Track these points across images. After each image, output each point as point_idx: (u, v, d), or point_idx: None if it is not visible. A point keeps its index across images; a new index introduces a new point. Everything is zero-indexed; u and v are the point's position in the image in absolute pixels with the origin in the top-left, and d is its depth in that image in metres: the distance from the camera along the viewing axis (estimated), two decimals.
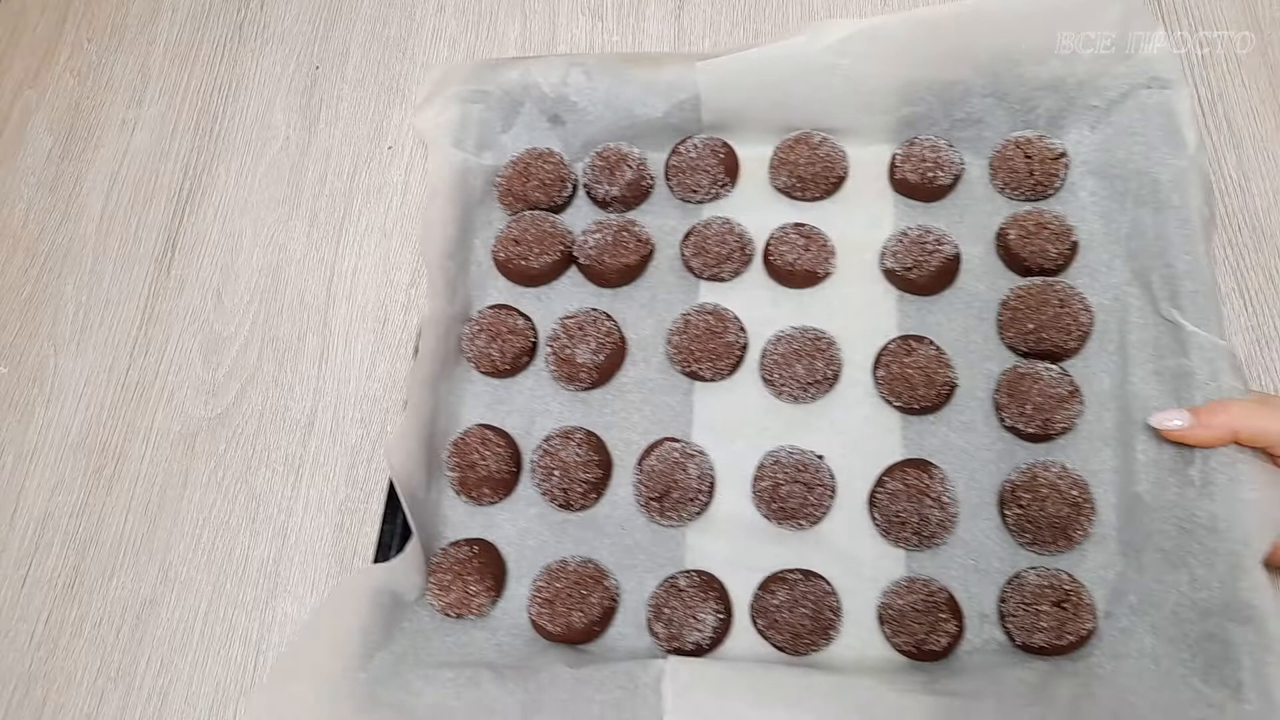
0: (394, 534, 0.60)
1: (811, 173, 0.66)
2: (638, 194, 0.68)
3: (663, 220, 0.69)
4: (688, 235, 0.66)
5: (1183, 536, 0.52)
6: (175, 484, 0.65)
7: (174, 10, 0.83)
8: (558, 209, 0.69)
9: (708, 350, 0.61)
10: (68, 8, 0.84)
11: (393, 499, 0.61)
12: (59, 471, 0.66)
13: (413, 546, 0.57)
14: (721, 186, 0.68)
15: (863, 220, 0.67)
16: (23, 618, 0.62)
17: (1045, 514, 0.55)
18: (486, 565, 0.59)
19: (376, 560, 0.60)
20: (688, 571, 0.58)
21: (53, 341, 0.71)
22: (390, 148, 0.74)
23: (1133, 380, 0.58)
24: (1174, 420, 0.52)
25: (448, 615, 0.58)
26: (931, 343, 0.60)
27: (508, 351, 0.63)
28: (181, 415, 0.67)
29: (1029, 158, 0.64)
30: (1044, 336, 0.59)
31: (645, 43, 0.77)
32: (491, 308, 0.65)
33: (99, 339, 0.70)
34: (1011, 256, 0.63)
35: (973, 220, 0.66)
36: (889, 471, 0.58)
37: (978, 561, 0.57)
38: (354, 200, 0.73)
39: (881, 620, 0.56)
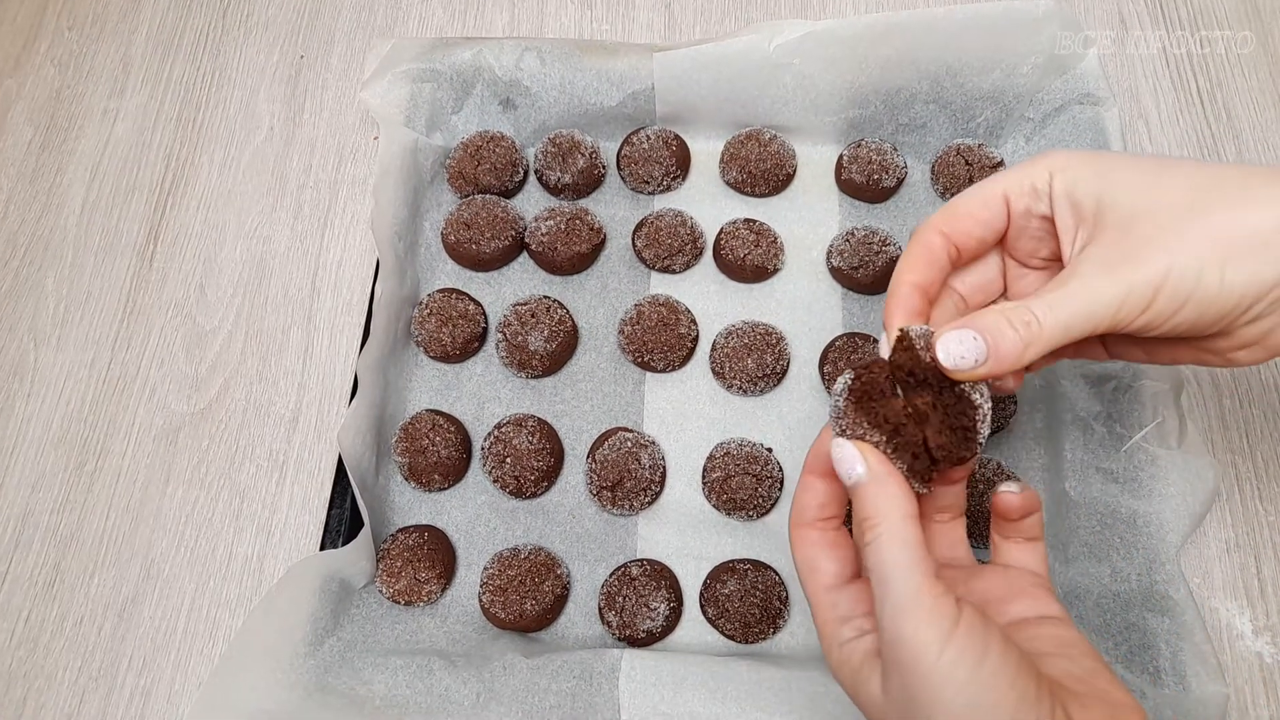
0: (342, 519, 0.59)
1: (761, 169, 0.67)
2: (589, 182, 0.69)
3: (614, 210, 0.69)
4: (640, 226, 0.67)
5: (1105, 531, 0.56)
6: (158, 480, 0.63)
7: None
8: (508, 193, 0.69)
9: (660, 341, 0.62)
10: None
11: (339, 484, 0.61)
12: (39, 467, 0.64)
13: (363, 533, 0.56)
14: (673, 179, 0.68)
15: (810, 218, 0.69)
16: (2, 616, 0.60)
17: (982, 509, 0.57)
18: (436, 552, 0.58)
19: (323, 546, 0.59)
20: (639, 560, 0.59)
21: (33, 335, 0.68)
22: (376, 138, 0.72)
23: (1062, 382, 0.61)
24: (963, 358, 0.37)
25: (397, 602, 0.57)
26: (876, 341, 0.63)
27: (458, 336, 0.63)
28: (164, 410, 0.65)
29: (969, 164, 0.67)
30: None
31: (635, 32, 0.76)
32: (441, 291, 0.64)
33: (80, 333, 0.68)
34: None
35: (914, 222, 0.68)
36: None
37: None
38: (339, 191, 0.72)
39: None
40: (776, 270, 0.66)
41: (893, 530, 0.35)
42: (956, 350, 0.37)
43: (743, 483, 0.59)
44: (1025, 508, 0.40)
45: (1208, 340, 0.39)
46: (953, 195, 0.67)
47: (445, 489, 0.62)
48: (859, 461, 0.36)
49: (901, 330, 0.39)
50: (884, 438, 0.37)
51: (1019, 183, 0.41)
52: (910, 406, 0.37)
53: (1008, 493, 0.40)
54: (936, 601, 0.33)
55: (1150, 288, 0.36)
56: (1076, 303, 0.37)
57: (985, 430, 0.38)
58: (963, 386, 0.38)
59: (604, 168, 0.70)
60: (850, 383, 0.38)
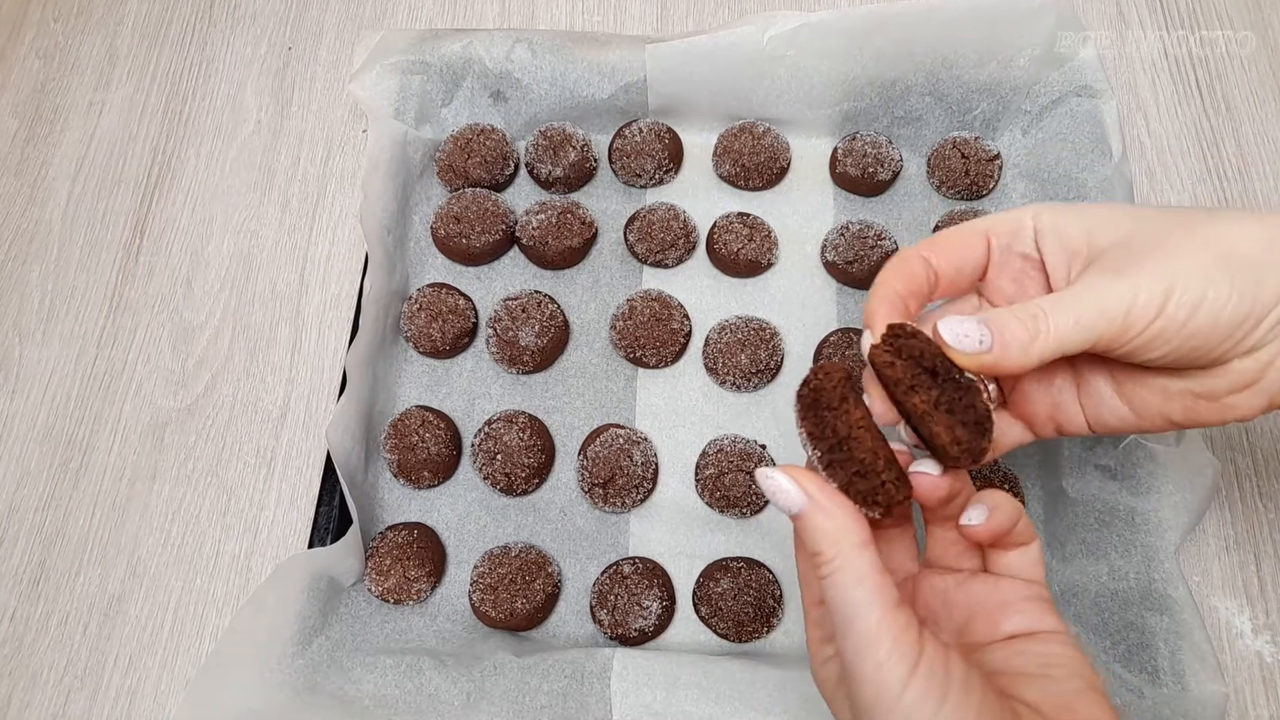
0: (330, 517, 0.58)
1: (755, 162, 0.67)
2: (581, 175, 0.68)
3: (606, 203, 0.68)
4: (632, 220, 0.66)
5: (1103, 528, 0.55)
6: (144, 477, 0.62)
7: None
8: (499, 187, 0.68)
9: (652, 337, 0.61)
10: None
11: (327, 481, 0.60)
12: (24, 464, 0.63)
13: (352, 531, 0.55)
14: (665, 172, 0.68)
15: (804, 212, 0.68)
16: None
17: None
18: (426, 550, 0.58)
19: (312, 544, 0.58)
20: (631, 558, 0.58)
21: (17, 330, 0.67)
22: (365, 131, 0.72)
23: None
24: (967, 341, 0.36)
25: (386, 601, 0.57)
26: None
27: (448, 332, 0.62)
28: (150, 406, 0.65)
29: (965, 158, 0.66)
30: None
31: (628, 24, 0.76)
32: (431, 286, 0.64)
33: (65, 328, 0.67)
34: None
35: (910, 217, 0.68)
36: None
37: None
38: (328, 185, 0.71)
39: None
40: (770, 265, 0.66)
41: (846, 565, 0.33)
42: (959, 328, 0.36)
43: (736, 480, 0.58)
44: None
45: (1206, 377, 0.38)
46: (949, 189, 0.67)
47: (435, 486, 0.61)
48: (794, 486, 0.34)
49: (893, 323, 0.37)
50: (820, 452, 0.34)
51: (1000, 222, 0.41)
52: (905, 403, 0.36)
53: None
54: (896, 641, 0.32)
55: (1162, 288, 0.35)
56: (1086, 301, 0.35)
57: (993, 424, 0.36)
58: (968, 376, 0.36)
59: (595, 161, 0.69)
60: (798, 389, 0.35)
